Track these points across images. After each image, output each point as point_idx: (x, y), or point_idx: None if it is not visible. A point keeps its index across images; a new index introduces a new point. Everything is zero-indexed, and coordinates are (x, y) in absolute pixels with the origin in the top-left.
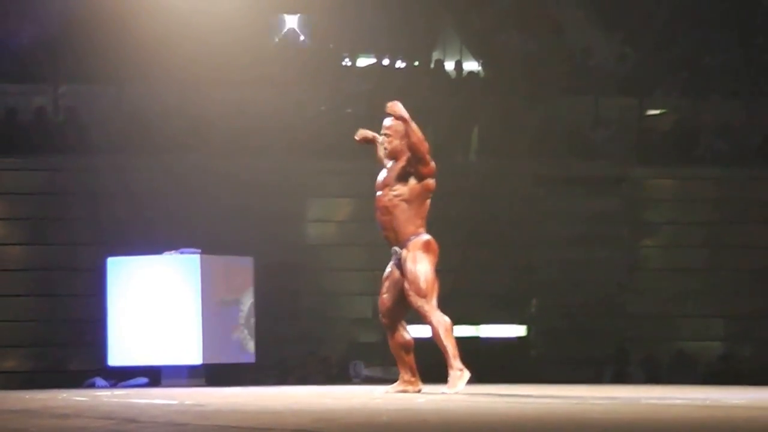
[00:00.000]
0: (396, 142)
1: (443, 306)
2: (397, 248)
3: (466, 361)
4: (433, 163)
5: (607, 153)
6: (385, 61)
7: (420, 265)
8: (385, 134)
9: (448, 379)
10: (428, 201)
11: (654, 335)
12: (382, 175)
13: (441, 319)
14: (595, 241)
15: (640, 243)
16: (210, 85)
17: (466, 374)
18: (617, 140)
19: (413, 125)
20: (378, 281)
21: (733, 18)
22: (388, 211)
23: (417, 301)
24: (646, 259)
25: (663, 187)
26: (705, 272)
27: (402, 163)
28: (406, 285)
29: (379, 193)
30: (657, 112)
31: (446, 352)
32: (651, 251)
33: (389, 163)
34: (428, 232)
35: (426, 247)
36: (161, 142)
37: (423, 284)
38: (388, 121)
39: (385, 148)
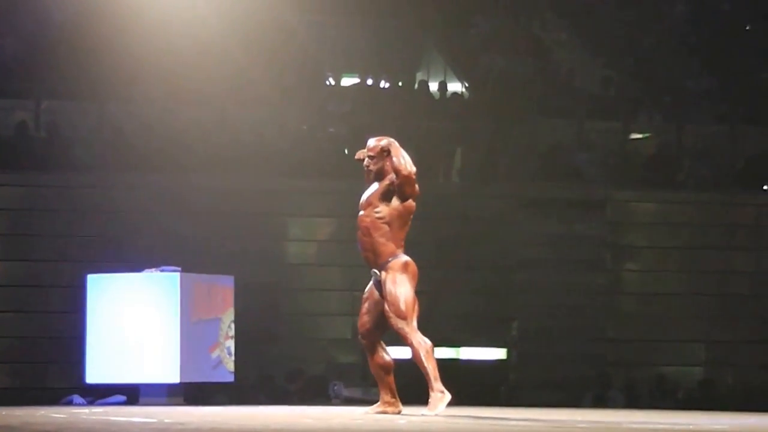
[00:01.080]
0: (381, 163)
1: (423, 327)
2: (376, 270)
3: (446, 383)
4: (417, 186)
5: (589, 176)
6: (369, 81)
7: (400, 287)
8: (369, 156)
9: (429, 400)
10: (409, 223)
11: (634, 360)
12: (365, 194)
13: (422, 341)
14: (577, 264)
15: (622, 267)
16: (191, 104)
17: (447, 396)
18: (600, 163)
19: (398, 157)
20: (358, 302)
21: (715, 43)
22: (368, 231)
23: (397, 323)
24: (628, 283)
25: (645, 210)
26: (686, 297)
27: (386, 182)
28: (386, 307)
29: (361, 212)
30: (640, 135)
31: (427, 374)
32: (632, 275)
33: (374, 183)
34: (409, 252)
35: (404, 268)
36: (142, 160)
37: (403, 306)
38: (372, 142)
39: (370, 170)
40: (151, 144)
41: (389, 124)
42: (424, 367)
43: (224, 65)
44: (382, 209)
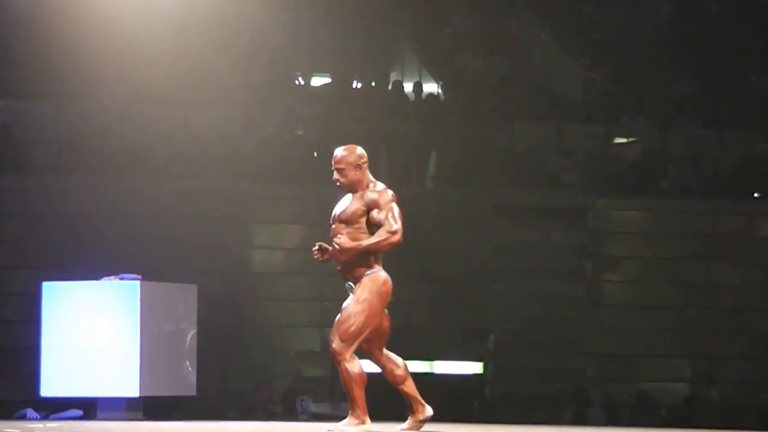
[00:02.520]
0: (351, 174)
1: (396, 340)
2: (351, 283)
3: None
4: (399, 223)
5: (570, 182)
6: (341, 81)
7: (359, 306)
8: (337, 169)
9: (347, 418)
10: None
11: (616, 375)
12: (339, 207)
13: (357, 374)
14: (557, 274)
15: (603, 278)
16: (153, 103)
17: (366, 427)
18: (581, 169)
19: (390, 213)
20: (327, 313)
21: (702, 46)
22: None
23: (336, 342)
24: (609, 294)
25: (628, 219)
26: (670, 310)
27: (374, 214)
28: (337, 319)
29: (335, 225)
30: (624, 140)
31: (355, 400)
32: (614, 286)
33: (348, 195)
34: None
35: (380, 288)
36: (100, 163)
37: (353, 328)
38: (339, 152)
39: (340, 183)
40: (111, 145)
41: (360, 125)
42: (353, 394)
43: (187, 63)
44: (362, 224)
